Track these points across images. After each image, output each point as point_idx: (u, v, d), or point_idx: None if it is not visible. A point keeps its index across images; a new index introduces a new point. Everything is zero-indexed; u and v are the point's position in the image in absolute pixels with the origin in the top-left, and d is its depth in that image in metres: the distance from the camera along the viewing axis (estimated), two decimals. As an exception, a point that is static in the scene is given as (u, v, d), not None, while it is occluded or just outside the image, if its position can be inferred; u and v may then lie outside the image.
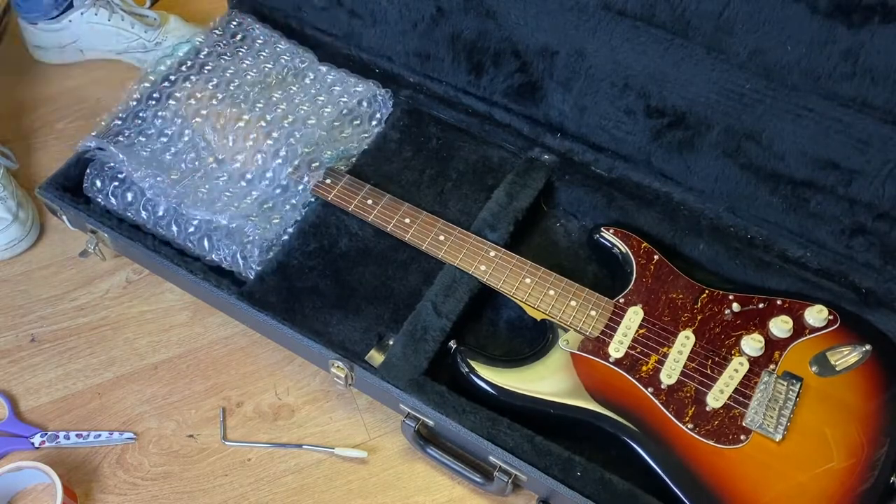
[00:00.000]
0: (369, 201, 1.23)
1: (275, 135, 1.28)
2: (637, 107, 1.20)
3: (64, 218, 1.30)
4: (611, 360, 1.08)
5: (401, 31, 1.34)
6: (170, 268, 1.20)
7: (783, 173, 1.15)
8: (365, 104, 1.37)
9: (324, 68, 1.39)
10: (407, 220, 1.21)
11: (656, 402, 1.04)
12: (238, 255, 1.21)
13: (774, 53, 1.02)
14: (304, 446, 1.17)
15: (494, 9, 1.22)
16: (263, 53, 1.40)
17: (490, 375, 1.07)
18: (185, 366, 1.24)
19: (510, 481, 1.05)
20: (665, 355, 1.07)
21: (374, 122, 1.37)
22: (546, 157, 1.30)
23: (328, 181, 1.26)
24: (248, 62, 1.39)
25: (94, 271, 1.33)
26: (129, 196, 1.26)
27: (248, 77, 1.37)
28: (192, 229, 1.23)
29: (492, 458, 1.05)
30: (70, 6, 1.54)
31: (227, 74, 1.37)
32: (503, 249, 1.18)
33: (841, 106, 1.03)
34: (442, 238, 1.19)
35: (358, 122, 1.36)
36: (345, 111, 1.35)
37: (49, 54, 1.62)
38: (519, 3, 1.19)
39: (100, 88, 1.57)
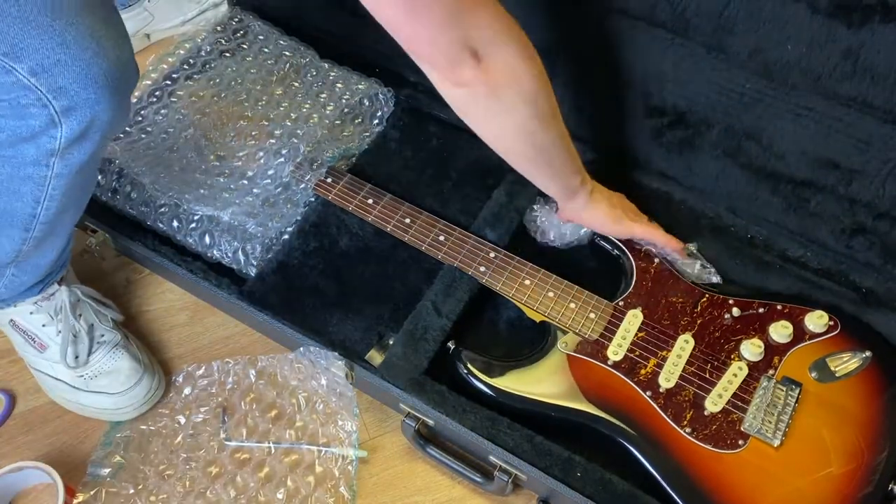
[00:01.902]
0: (370, 201, 1.23)
1: (277, 133, 1.28)
2: (637, 106, 1.20)
3: (65, 217, 1.30)
4: (609, 362, 1.07)
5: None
6: (170, 267, 1.20)
7: (783, 173, 1.14)
8: (367, 102, 1.37)
9: (326, 64, 1.39)
10: (407, 221, 1.21)
11: (654, 405, 1.04)
12: (239, 252, 1.21)
13: (775, 53, 1.02)
14: (304, 445, 1.17)
15: (494, 8, 1.21)
16: (265, 50, 1.40)
17: (488, 377, 1.08)
18: (185, 366, 1.24)
19: (510, 481, 1.06)
20: (664, 359, 1.07)
21: (375, 121, 1.37)
22: (546, 156, 1.29)
23: (329, 180, 1.26)
24: (249, 59, 1.39)
25: (94, 271, 1.34)
26: (131, 191, 1.26)
27: (250, 74, 1.37)
28: (193, 225, 1.23)
29: (492, 458, 1.05)
30: None
31: (229, 72, 1.37)
32: (503, 251, 1.18)
33: (841, 105, 1.03)
34: (442, 239, 1.19)
35: (359, 120, 1.36)
36: (346, 109, 1.35)
37: None
38: (519, 2, 1.19)
39: (100, 88, 1.57)
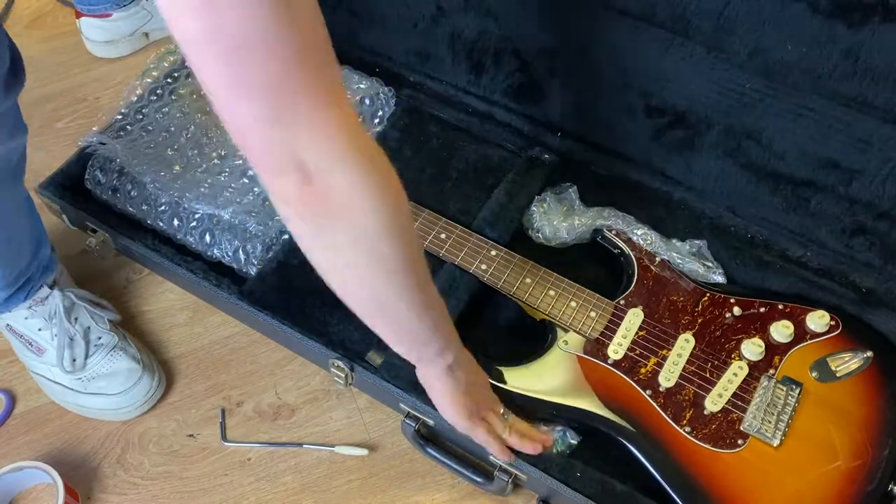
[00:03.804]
0: (370, 200, 1.23)
1: (278, 132, 1.28)
2: (637, 106, 1.20)
3: (64, 217, 1.30)
4: (609, 361, 1.07)
5: (401, 30, 1.34)
6: (170, 267, 1.20)
7: (783, 173, 1.14)
8: (367, 102, 1.36)
9: (327, 64, 1.39)
10: (407, 219, 1.20)
11: (654, 404, 1.04)
12: (239, 251, 1.21)
13: (775, 52, 1.02)
14: (304, 445, 1.17)
15: (495, 8, 1.22)
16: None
17: (488, 376, 1.07)
18: (184, 366, 1.25)
19: (510, 481, 1.05)
20: (664, 358, 1.07)
21: (375, 121, 1.37)
22: (546, 156, 1.29)
23: (329, 179, 1.25)
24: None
25: (94, 271, 1.34)
26: (131, 190, 1.26)
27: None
28: (193, 223, 1.23)
29: (492, 458, 1.05)
30: None
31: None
32: (504, 249, 1.17)
33: (841, 105, 1.03)
34: (443, 236, 1.18)
35: (360, 120, 1.36)
36: (347, 109, 1.35)
37: (119, 48, 1.62)
38: (519, 2, 1.19)
39: (100, 88, 1.57)
